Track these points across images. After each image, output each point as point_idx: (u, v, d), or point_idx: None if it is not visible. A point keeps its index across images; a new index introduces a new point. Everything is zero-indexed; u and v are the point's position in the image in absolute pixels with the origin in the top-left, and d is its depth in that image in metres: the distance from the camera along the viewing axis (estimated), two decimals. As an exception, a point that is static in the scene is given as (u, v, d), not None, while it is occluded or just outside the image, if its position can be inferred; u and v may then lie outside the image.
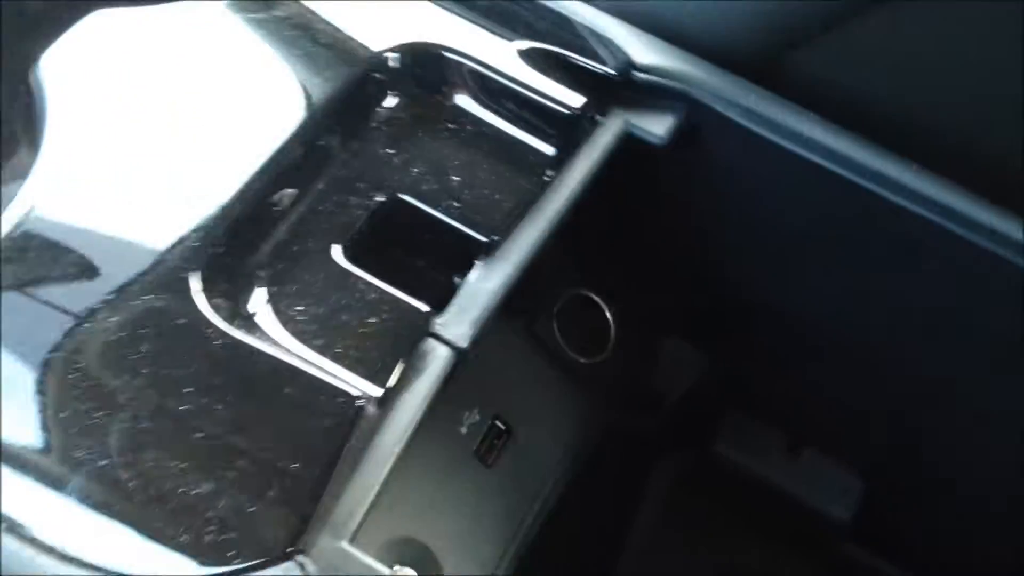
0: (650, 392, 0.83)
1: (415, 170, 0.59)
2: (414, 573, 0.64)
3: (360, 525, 0.50)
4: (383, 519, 0.64)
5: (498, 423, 0.70)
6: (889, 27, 0.65)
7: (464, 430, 0.68)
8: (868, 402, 0.77)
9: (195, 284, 0.51)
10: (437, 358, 0.55)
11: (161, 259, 0.52)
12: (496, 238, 0.58)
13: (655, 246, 0.76)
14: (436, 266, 0.59)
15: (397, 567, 0.64)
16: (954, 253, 0.63)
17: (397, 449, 0.52)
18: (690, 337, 0.82)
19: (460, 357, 0.56)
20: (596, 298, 0.77)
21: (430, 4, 0.65)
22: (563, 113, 0.61)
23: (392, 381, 0.53)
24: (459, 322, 0.56)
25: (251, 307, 0.53)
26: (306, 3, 0.65)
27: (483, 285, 0.58)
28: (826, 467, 0.81)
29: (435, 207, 0.58)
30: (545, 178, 0.61)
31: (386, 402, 0.52)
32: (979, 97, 0.66)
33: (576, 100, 0.62)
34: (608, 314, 0.78)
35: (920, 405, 0.74)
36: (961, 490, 0.77)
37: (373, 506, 0.59)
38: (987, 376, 0.68)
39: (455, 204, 0.59)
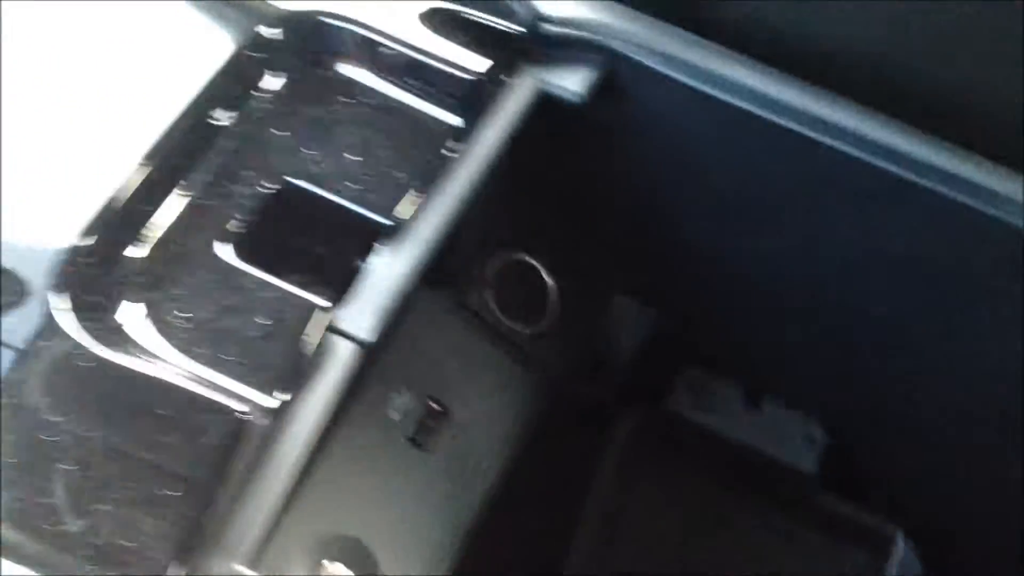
0: (599, 354, 0.79)
1: (306, 152, 0.55)
2: (347, 571, 0.62)
3: (262, 544, 0.47)
4: (312, 517, 0.61)
5: (432, 404, 0.67)
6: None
7: (395, 415, 0.65)
8: (825, 351, 0.73)
9: (57, 302, 0.47)
10: (340, 356, 0.51)
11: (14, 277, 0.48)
12: (400, 220, 0.54)
13: (590, 205, 0.72)
14: (335, 255, 0.55)
15: (329, 565, 0.61)
16: (902, 198, 0.59)
17: (298, 461, 0.49)
18: (637, 295, 0.78)
19: (366, 352, 0.52)
20: (533, 262, 0.73)
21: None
22: (466, 79, 0.57)
23: (287, 387, 0.49)
24: (363, 313, 0.52)
25: (125, 319, 0.49)
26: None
27: (388, 271, 0.54)
28: (788, 419, 0.78)
29: (330, 191, 0.54)
30: (451, 150, 0.56)
31: (282, 411, 0.49)
32: (920, 28, 0.61)
33: (480, 63, 0.57)
34: (547, 278, 0.74)
35: (878, 352, 0.70)
36: (925, 435, 0.73)
37: (279, 521, 0.57)
38: (943, 321, 0.64)
39: (352, 186, 0.55)
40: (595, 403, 0.79)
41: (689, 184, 0.66)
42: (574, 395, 0.79)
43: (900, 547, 0.79)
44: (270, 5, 0.58)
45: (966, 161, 0.58)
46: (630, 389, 0.80)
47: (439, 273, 0.68)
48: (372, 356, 0.52)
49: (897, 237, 0.61)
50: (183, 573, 0.45)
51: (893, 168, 0.58)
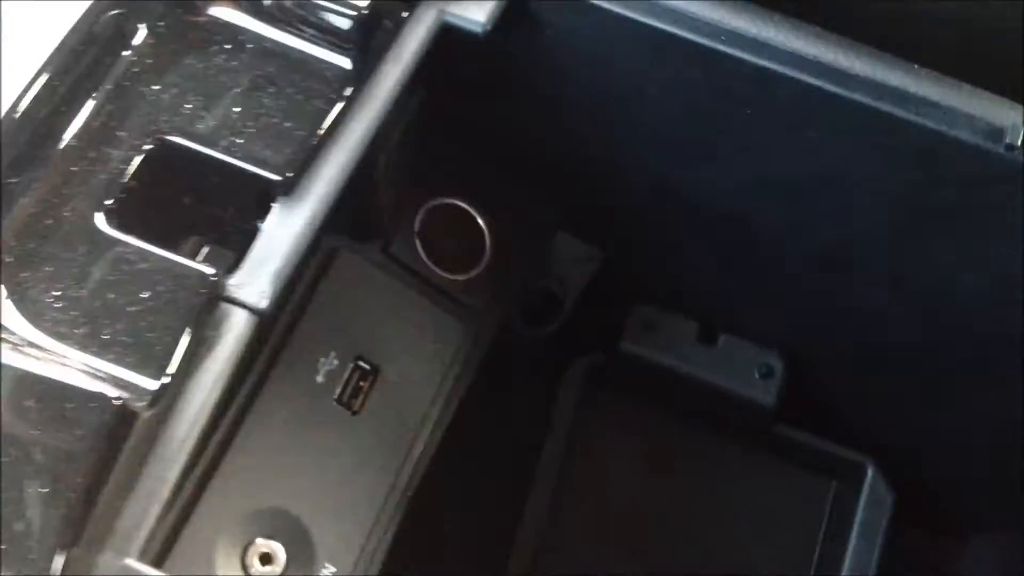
0: (544, 297, 0.75)
1: (185, 106, 0.50)
2: (278, 546, 0.59)
3: (152, 534, 0.44)
4: (236, 492, 0.58)
5: (362, 363, 0.63)
6: None
7: (321, 379, 0.62)
8: (778, 281, 0.70)
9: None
10: (233, 326, 0.48)
11: None
12: (292, 175, 0.50)
13: (517, 140, 0.68)
14: (224, 218, 0.51)
15: (259, 540, 0.58)
16: (841, 118, 0.55)
17: (189, 443, 0.46)
18: (578, 231, 0.74)
19: (262, 321, 0.48)
20: (463, 206, 0.69)
21: None
22: (356, 15, 0.52)
23: (173, 366, 0.45)
24: (256, 278, 0.49)
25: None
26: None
27: (282, 231, 0.50)
28: (744, 352, 0.74)
29: (214, 147, 0.50)
30: (345, 95, 0.52)
31: (167, 393, 0.45)
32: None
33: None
34: (479, 220, 0.70)
35: (827, 274, 0.67)
36: (889, 362, 0.70)
37: (186, 508, 0.54)
38: (887, 239, 0.61)
39: (237, 141, 0.50)
40: (543, 349, 0.76)
41: (617, 115, 0.62)
42: (520, 342, 0.75)
43: (870, 476, 0.76)
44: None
45: (908, 75, 0.54)
46: (580, 332, 0.76)
47: (360, 227, 0.64)
48: (268, 324, 0.48)
49: (838, 159, 0.57)
50: (66, 573, 0.42)
51: (830, 86, 0.54)
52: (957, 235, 0.56)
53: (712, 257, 0.71)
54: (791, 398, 0.75)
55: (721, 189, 0.65)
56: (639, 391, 0.77)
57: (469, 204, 0.69)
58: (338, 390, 0.62)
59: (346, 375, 0.62)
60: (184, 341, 0.46)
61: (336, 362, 0.62)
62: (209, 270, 0.47)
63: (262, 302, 0.48)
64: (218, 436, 0.58)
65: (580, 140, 0.66)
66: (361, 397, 0.62)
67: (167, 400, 0.45)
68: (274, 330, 0.60)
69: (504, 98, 0.64)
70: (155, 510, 0.44)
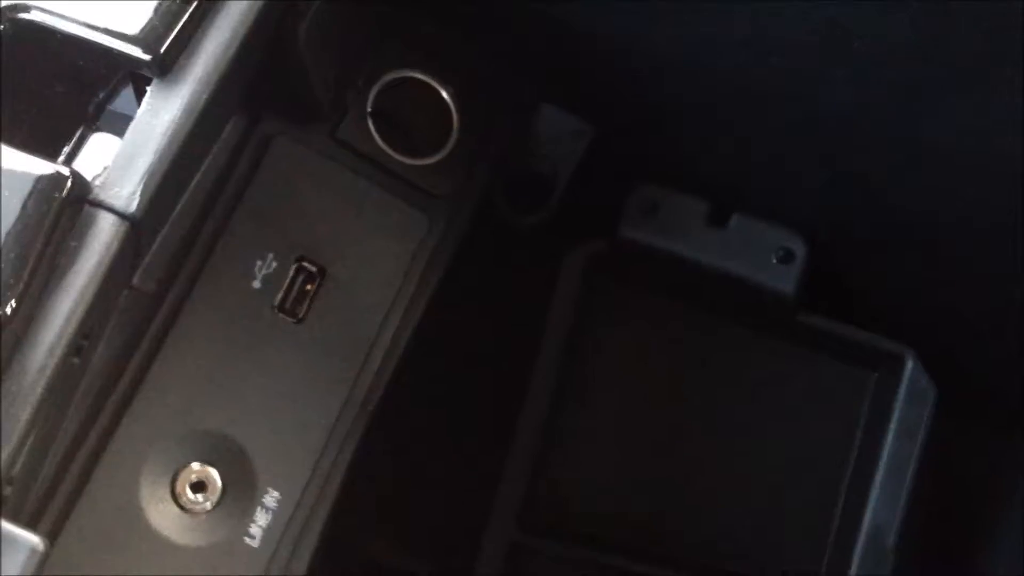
0: (530, 181, 0.67)
1: None
2: (213, 471, 0.53)
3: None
4: (160, 415, 0.52)
5: (306, 264, 0.56)
6: None
7: (258, 284, 0.55)
8: (788, 147, 0.60)
9: None
10: (98, 233, 0.41)
11: None
12: (164, 51, 0.43)
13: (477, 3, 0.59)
14: (87, 110, 0.44)
15: (192, 466, 0.53)
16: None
17: (49, 366, 0.39)
18: (565, 103, 0.65)
19: (132, 227, 0.41)
20: (422, 77, 0.61)
21: None
22: None
23: (22, 280, 0.39)
24: (125, 178, 0.41)
25: None
26: None
27: (156, 120, 0.42)
28: (758, 234, 0.65)
29: (73, 23, 0.42)
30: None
31: (21, 312, 0.39)
32: None
33: None
34: (444, 95, 0.61)
35: (842, 140, 0.57)
36: (913, 232, 0.60)
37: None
38: (902, 98, 0.50)
39: (100, 13, 0.43)
40: (535, 238, 0.68)
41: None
42: (507, 231, 0.67)
43: (910, 366, 0.67)
44: None
45: None
46: (576, 218, 0.68)
47: (298, 109, 0.57)
48: (139, 229, 0.41)
49: (841, 6, 0.47)
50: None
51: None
52: (979, 94, 0.46)
53: (716, 127, 0.61)
54: (816, 285, 0.66)
55: (717, 47, 0.56)
56: (645, 280, 0.69)
57: (430, 76, 0.61)
58: (279, 296, 0.55)
59: (287, 279, 0.55)
60: (43, 250, 0.39)
61: (275, 264, 0.55)
62: (65, 170, 0.40)
63: (131, 205, 0.41)
64: (138, 354, 0.52)
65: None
66: (306, 303, 0.55)
67: (20, 320, 0.39)
68: (201, 231, 0.54)
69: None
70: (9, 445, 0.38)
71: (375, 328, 0.57)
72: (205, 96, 0.43)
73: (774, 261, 0.65)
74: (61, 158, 0.44)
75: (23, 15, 0.42)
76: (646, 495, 0.70)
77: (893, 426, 0.67)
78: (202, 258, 0.53)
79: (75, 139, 0.44)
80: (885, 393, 0.68)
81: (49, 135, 0.44)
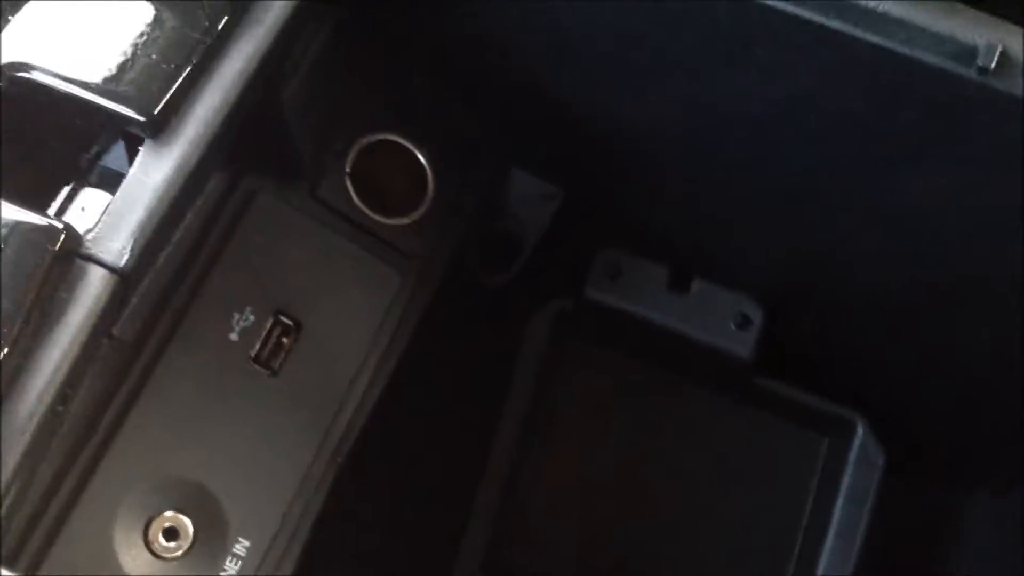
0: (500, 241, 0.69)
1: (33, 34, 0.45)
2: (185, 519, 0.54)
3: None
4: (136, 462, 0.53)
5: (283, 318, 0.58)
6: None
7: (235, 336, 0.56)
8: (745, 215, 0.63)
9: None
10: (88, 286, 0.42)
11: None
12: (158, 113, 0.45)
13: (460, 67, 0.61)
14: (88, 167, 0.45)
15: (165, 514, 0.54)
16: (778, 33, 0.47)
17: (36, 417, 0.41)
18: (535, 168, 0.68)
19: (121, 280, 0.43)
20: (399, 140, 0.63)
21: None
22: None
23: (14, 332, 0.40)
24: (116, 232, 0.43)
25: None
26: None
27: (147, 179, 0.44)
28: (718, 299, 0.68)
29: (69, 82, 0.44)
30: (221, 23, 0.46)
31: (8, 363, 0.40)
32: None
33: None
34: (420, 158, 0.64)
35: (797, 209, 0.60)
36: (868, 298, 0.63)
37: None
38: (855, 169, 0.53)
39: (97, 73, 0.45)
40: (504, 296, 0.70)
41: (560, 46, 0.55)
42: (478, 289, 0.69)
43: (860, 432, 0.70)
44: None
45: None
46: (543, 277, 0.70)
47: (281, 167, 0.59)
48: (128, 283, 0.43)
49: (789, 82, 0.50)
50: None
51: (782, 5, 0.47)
52: (930, 165, 0.49)
53: (676, 194, 0.64)
54: (772, 348, 0.68)
55: (675, 119, 0.58)
56: (608, 340, 0.71)
57: (408, 139, 0.63)
58: (255, 348, 0.56)
59: (264, 332, 0.57)
60: (34, 301, 0.41)
61: (253, 317, 0.57)
62: (59, 224, 0.42)
63: (121, 259, 0.43)
64: (116, 401, 0.53)
65: (529, 70, 0.59)
66: (282, 355, 0.57)
67: (10, 369, 0.40)
68: (182, 282, 0.55)
69: (446, 19, 0.57)
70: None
71: (347, 381, 0.59)
72: (195, 157, 0.45)
73: (732, 327, 0.68)
74: (53, 211, 0.45)
75: (23, 73, 0.44)
76: (607, 547, 0.72)
77: (843, 490, 0.70)
78: (181, 309, 0.55)
79: (67, 193, 0.46)
80: (836, 457, 0.71)
81: (42, 188, 0.46)
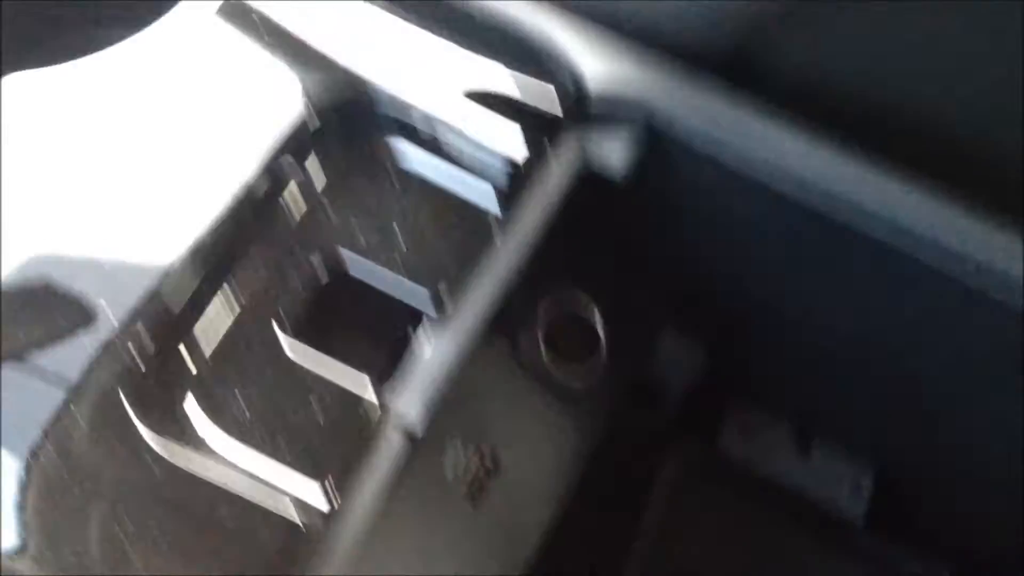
0: (650, 389, 0.80)
1: (353, 222, 0.56)
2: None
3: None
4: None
5: (485, 458, 0.67)
6: (872, 22, 0.60)
7: (449, 474, 0.65)
8: (873, 398, 0.73)
9: (125, 397, 0.50)
10: (391, 447, 0.53)
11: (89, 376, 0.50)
12: (444, 298, 0.56)
13: (636, 253, 0.72)
14: (382, 332, 0.56)
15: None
16: (938, 288, 0.59)
17: (343, 559, 0.51)
18: (686, 331, 0.79)
19: (414, 442, 0.54)
20: (583, 314, 0.74)
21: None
22: (509, 156, 0.58)
23: (341, 490, 0.51)
24: (413, 403, 0.54)
25: (183, 414, 0.51)
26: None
27: (437, 357, 0.55)
28: (836, 461, 0.78)
29: (377, 261, 0.56)
30: (494, 227, 0.57)
31: (335, 514, 0.51)
32: (976, 96, 0.60)
33: (522, 142, 0.58)
34: (598, 324, 0.74)
35: (922, 405, 0.70)
36: (972, 481, 0.73)
37: None
38: (982, 390, 0.64)
39: (397, 261, 0.56)
40: (646, 436, 0.81)
41: (731, 248, 0.67)
42: (625, 429, 0.80)
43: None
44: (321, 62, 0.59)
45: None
46: (680, 422, 0.81)
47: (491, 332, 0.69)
48: (419, 446, 0.54)
49: (937, 324, 0.61)
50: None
51: (928, 259, 0.58)
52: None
53: (813, 370, 0.75)
54: (882, 510, 0.78)
55: (826, 315, 0.69)
56: (731, 488, 0.81)
57: (587, 302, 0.74)
58: (463, 486, 0.65)
59: (473, 470, 0.66)
60: (350, 457, 0.52)
61: (463, 457, 0.65)
62: (374, 397, 0.53)
63: (417, 428, 0.53)
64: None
65: (697, 253, 0.70)
66: (483, 493, 0.66)
67: (331, 523, 0.51)
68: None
69: (625, 221, 0.68)
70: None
71: (532, 516, 0.69)
72: (474, 339, 0.55)
73: (847, 491, 0.78)
74: (369, 382, 0.56)
75: (341, 252, 0.55)
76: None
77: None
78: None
79: (380, 369, 0.56)
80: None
81: (361, 358, 0.56)
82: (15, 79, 0.56)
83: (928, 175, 0.58)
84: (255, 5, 0.58)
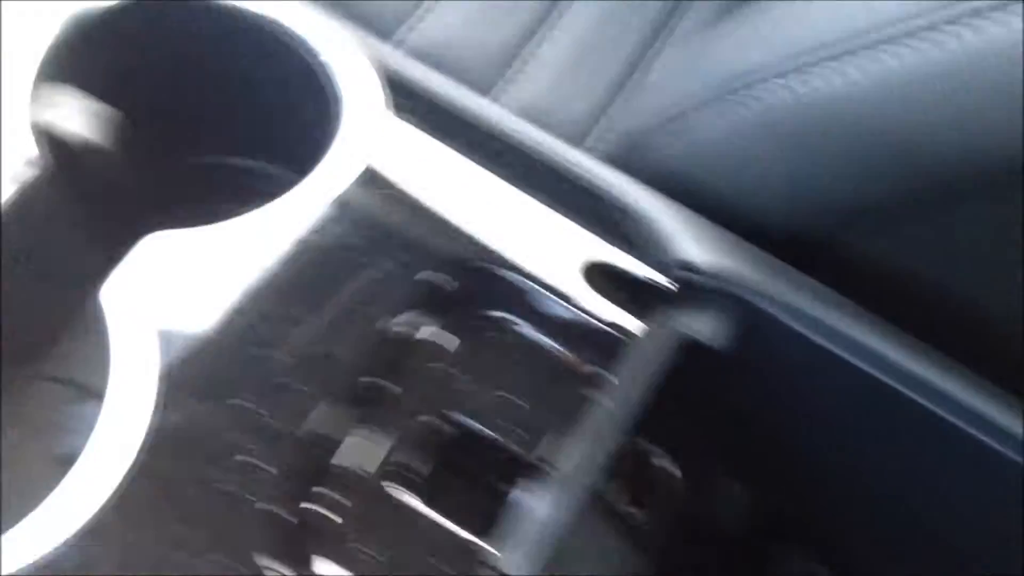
0: (709, 529, 0.84)
1: (462, 386, 0.61)
2: None
3: None
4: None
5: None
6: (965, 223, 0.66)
7: None
8: (913, 564, 0.78)
9: (261, 560, 0.53)
10: None
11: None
12: (544, 459, 0.60)
13: (710, 414, 0.77)
14: (483, 488, 0.60)
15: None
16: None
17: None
18: (736, 475, 0.83)
19: None
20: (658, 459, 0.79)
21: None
22: (613, 331, 0.63)
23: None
24: (524, 560, 0.57)
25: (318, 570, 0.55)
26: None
27: (543, 516, 0.58)
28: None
29: (483, 423, 0.60)
30: (593, 395, 0.62)
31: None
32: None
33: (628, 321, 0.63)
34: (672, 471, 0.79)
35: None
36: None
37: None
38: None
39: (501, 422, 0.60)
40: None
41: (809, 421, 0.72)
42: (678, 565, 0.84)
43: None
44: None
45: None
46: (729, 564, 0.85)
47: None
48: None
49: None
50: None
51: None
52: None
53: (859, 529, 0.79)
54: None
55: (866, 481, 0.74)
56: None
57: (662, 450, 0.78)
58: None
59: None
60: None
61: None
62: (483, 548, 0.57)
63: None
64: None
65: (765, 423, 0.76)
66: None
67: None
68: None
69: (709, 386, 0.73)
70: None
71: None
72: (577, 502, 0.60)
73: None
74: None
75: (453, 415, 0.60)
76: None
77: None
78: None
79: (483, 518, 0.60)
80: None
81: (461, 506, 0.60)
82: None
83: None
84: (388, 175, 0.63)
